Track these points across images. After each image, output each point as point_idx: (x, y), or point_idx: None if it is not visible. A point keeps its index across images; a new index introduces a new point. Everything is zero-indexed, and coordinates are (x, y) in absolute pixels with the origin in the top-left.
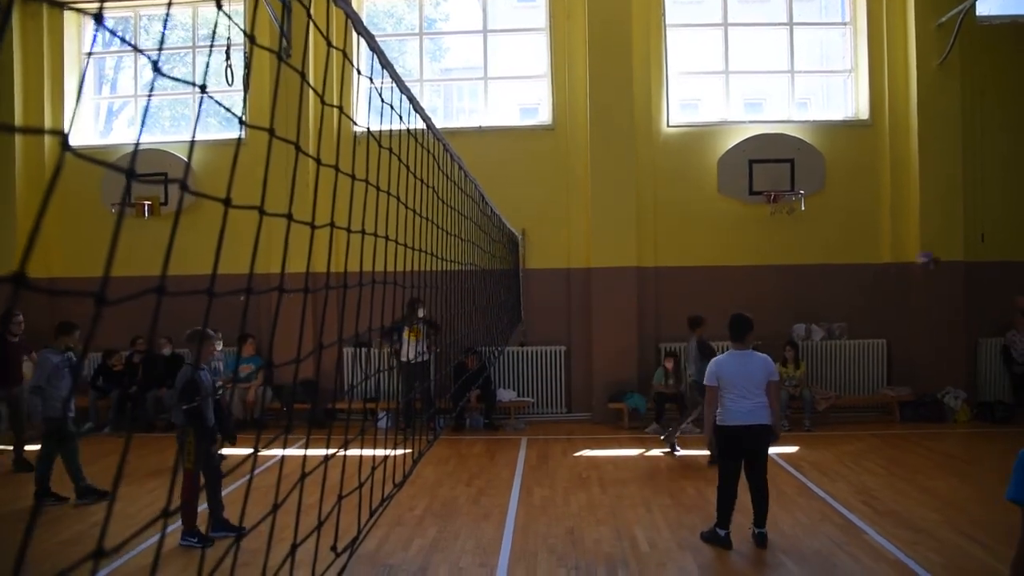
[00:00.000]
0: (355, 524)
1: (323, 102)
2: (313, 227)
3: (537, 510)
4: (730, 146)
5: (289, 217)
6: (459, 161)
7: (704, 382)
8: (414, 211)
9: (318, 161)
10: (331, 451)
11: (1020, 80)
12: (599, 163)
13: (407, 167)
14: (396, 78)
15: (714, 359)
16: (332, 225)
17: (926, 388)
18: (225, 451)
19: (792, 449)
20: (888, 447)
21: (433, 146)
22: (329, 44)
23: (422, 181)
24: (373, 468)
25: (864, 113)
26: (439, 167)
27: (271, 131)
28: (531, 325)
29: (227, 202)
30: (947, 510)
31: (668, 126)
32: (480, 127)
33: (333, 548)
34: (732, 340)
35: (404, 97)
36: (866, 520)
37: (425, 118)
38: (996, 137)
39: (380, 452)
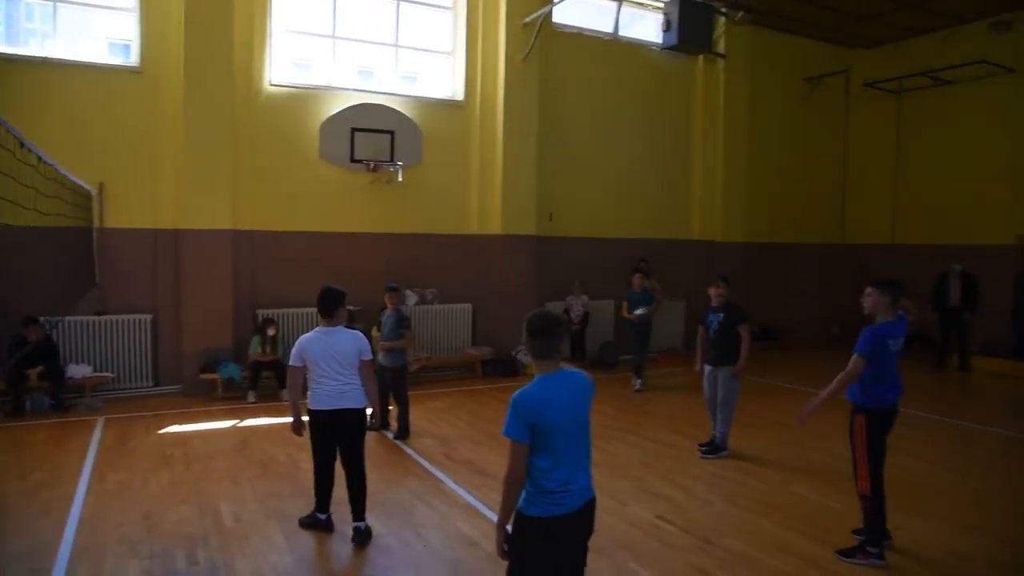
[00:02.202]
0: None
1: None
2: None
3: (110, 498)
4: (333, 112)
5: None
6: None
7: (289, 362)
8: None
9: None
10: None
11: (585, 82)
12: (193, 116)
13: None
14: None
15: (301, 337)
16: None
17: (503, 347)
18: None
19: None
20: (471, 401)
21: None
22: None
23: None
24: None
25: (460, 95)
26: None
27: None
28: (110, 291)
29: None
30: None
31: (271, 84)
32: (46, 58)
33: None
34: (321, 316)
35: None
36: (444, 470)
37: None
38: (565, 130)
39: None
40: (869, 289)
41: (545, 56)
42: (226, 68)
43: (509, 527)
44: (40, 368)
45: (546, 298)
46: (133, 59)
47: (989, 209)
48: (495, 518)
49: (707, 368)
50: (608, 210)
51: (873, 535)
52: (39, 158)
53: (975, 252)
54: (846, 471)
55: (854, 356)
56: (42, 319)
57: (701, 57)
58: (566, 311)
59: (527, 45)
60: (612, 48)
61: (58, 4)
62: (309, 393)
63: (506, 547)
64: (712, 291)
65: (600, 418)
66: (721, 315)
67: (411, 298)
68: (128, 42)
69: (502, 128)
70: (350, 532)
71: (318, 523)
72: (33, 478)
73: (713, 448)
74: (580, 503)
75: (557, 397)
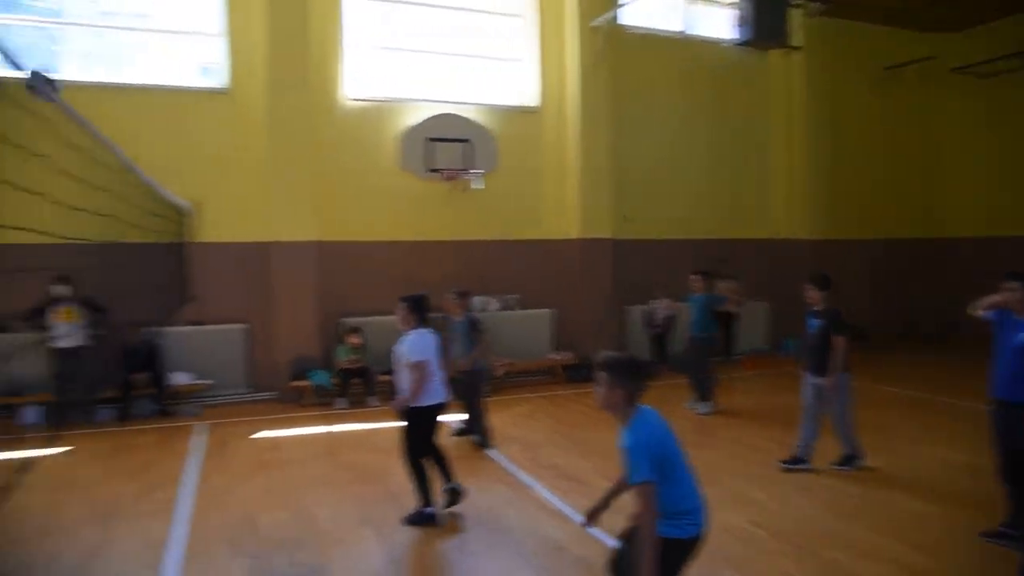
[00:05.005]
0: None
1: None
2: None
3: (213, 500)
4: (410, 123)
5: None
6: (89, 126)
7: (421, 357)
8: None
9: None
10: None
11: (657, 82)
12: (277, 133)
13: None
14: None
15: (420, 334)
16: None
17: (585, 351)
18: None
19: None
20: (553, 407)
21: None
22: None
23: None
24: None
25: (533, 100)
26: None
27: None
28: (207, 302)
29: None
30: (597, 458)
31: (349, 99)
32: (147, 84)
33: None
34: (420, 320)
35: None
36: (532, 475)
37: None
38: (639, 131)
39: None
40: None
41: (616, 58)
42: (306, 86)
43: None
44: (147, 375)
45: (626, 302)
46: (221, 81)
47: None
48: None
49: (807, 375)
50: (686, 211)
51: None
52: (140, 178)
53: None
54: (946, 476)
55: None
56: (146, 329)
57: (775, 51)
58: (650, 314)
59: (597, 48)
60: (683, 46)
61: (151, 33)
62: (425, 389)
63: None
64: (806, 293)
65: (685, 422)
66: (819, 321)
67: (493, 305)
68: (214, 65)
69: (576, 132)
70: (444, 535)
71: (427, 518)
72: (143, 479)
73: (847, 462)
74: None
75: (663, 425)
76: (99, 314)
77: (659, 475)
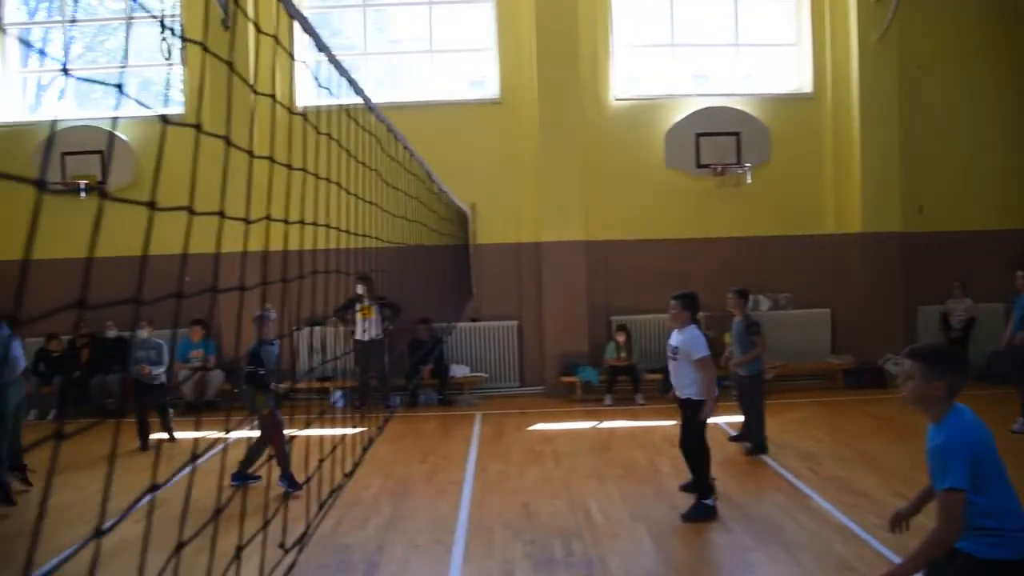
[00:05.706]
0: (304, 515)
1: (255, 91)
2: (247, 222)
3: (492, 485)
4: (676, 119)
5: (221, 214)
6: (403, 140)
7: (704, 353)
8: (352, 194)
9: (250, 153)
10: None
11: (955, 55)
12: (547, 137)
13: (347, 151)
14: (334, 62)
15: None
16: (268, 218)
17: (867, 355)
18: (179, 434)
19: (740, 419)
20: (831, 414)
21: (374, 126)
22: (258, 29)
23: (364, 164)
24: (320, 461)
25: (807, 86)
26: (382, 148)
27: (198, 127)
28: (483, 300)
29: (151, 204)
30: (885, 473)
31: (615, 99)
32: (427, 101)
33: (281, 546)
34: (693, 317)
35: (346, 79)
36: (811, 486)
37: (367, 101)
38: (934, 111)
39: (336, 431)
40: None
41: (904, 31)
42: (574, 89)
43: None
44: (431, 366)
45: (917, 302)
46: (492, 92)
47: None
48: (874, 542)
49: None
50: (991, 199)
51: None
52: (438, 186)
53: None
54: None
55: None
56: (436, 324)
57: None
58: (945, 316)
59: (882, 23)
60: (989, 6)
61: (431, 54)
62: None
63: None
64: None
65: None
66: None
67: (764, 303)
68: (486, 78)
69: (858, 117)
70: (719, 540)
71: (706, 510)
72: (430, 461)
73: None
74: None
75: (983, 427)
76: (393, 312)
77: (973, 484)
